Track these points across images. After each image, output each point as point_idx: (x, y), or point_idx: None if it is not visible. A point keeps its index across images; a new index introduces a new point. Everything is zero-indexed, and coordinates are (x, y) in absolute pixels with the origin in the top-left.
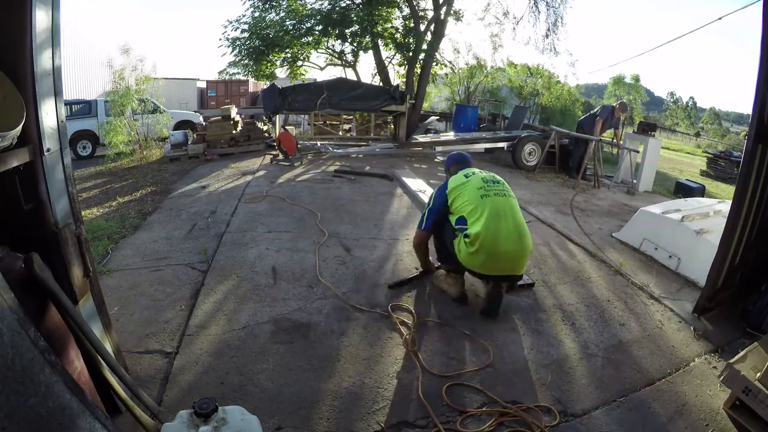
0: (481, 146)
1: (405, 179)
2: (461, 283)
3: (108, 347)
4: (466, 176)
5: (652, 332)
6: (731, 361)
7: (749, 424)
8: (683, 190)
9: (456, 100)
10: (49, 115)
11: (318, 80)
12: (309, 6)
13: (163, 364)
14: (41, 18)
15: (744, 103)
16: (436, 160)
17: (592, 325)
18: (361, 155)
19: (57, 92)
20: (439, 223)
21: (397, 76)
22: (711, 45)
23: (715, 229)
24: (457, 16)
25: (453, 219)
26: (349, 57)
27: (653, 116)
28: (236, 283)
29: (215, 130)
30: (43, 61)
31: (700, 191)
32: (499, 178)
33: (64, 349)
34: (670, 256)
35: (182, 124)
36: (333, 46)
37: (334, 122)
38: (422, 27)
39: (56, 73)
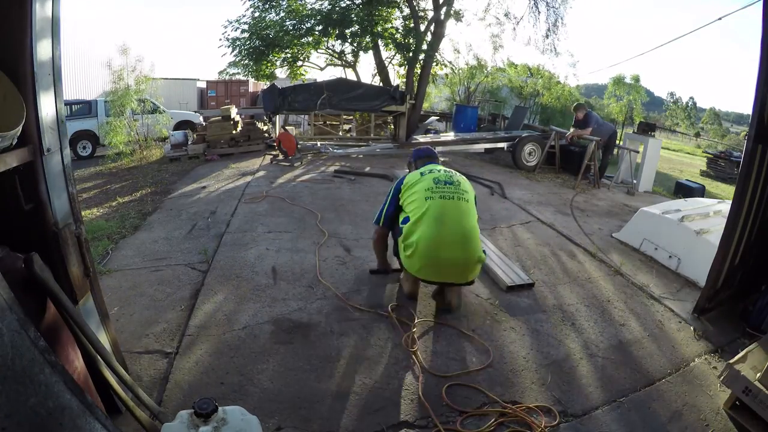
0: (481, 146)
1: None
2: (413, 281)
3: (108, 347)
4: (422, 174)
5: (652, 332)
6: (731, 361)
7: (749, 425)
8: (683, 191)
9: (456, 100)
10: (49, 115)
11: (318, 80)
12: (309, 6)
13: (163, 364)
14: (41, 18)
15: (744, 103)
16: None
17: (592, 326)
18: (361, 155)
19: (57, 92)
20: (393, 219)
21: (397, 76)
22: (711, 45)
23: (715, 229)
24: (458, 17)
25: (401, 218)
26: (349, 57)
27: (653, 116)
28: (236, 284)
29: (215, 130)
30: (43, 60)
31: (700, 191)
32: (457, 178)
33: (64, 349)
34: (670, 257)
35: (182, 125)
36: (333, 46)
37: (334, 122)
38: (422, 27)
39: (56, 73)
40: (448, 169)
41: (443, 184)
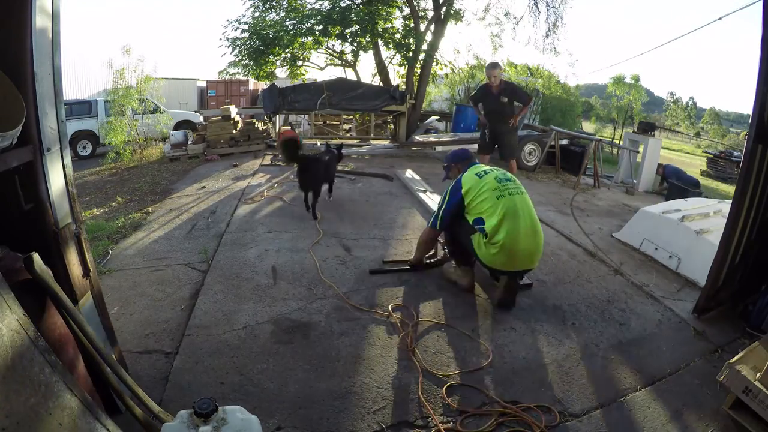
0: None
1: (405, 179)
2: (472, 275)
3: (107, 347)
4: (479, 176)
5: (652, 332)
6: (731, 361)
7: (750, 424)
8: (678, 189)
9: (456, 100)
10: (49, 115)
11: (318, 80)
12: (309, 6)
13: (163, 364)
14: (41, 18)
15: (744, 103)
16: (437, 158)
17: (591, 325)
18: (361, 155)
19: (57, 92)
20: (452, 222)
21: (397, 76)
22: (711, 45)
23: (715, 229)
24: (458, 17)
25: (470, 219)
26: (349, 57)
27: (653, 116)
28: (236, 283)
29: (215, 130)
30: (43, 61)
31: (695, 185)
32: (509, 175)
33: (64, 349)
34: (670, 256)
35: (182, 124)
36: (333, 46)
37: (334, 122)
38: (422, 27)
39: (56, 73)
40: (493, 167)
41: (505, 182)
